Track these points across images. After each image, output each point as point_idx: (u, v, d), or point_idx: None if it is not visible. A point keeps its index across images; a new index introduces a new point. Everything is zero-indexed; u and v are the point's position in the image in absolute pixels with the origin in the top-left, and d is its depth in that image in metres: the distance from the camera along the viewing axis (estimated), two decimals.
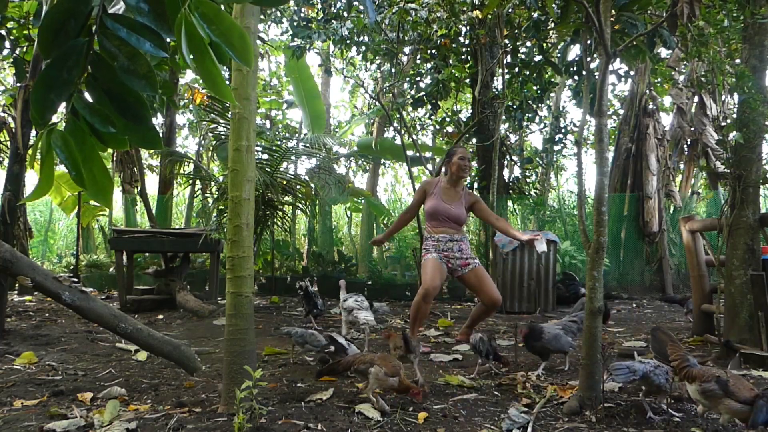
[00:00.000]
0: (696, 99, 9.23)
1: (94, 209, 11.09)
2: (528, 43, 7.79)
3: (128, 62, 1.26)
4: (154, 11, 1.27)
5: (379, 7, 7.31)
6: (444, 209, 4.40)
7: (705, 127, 8.91)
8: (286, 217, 7.76)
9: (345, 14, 7.51)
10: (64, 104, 1.31)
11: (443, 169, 4.67)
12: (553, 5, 3.85)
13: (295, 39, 7.47)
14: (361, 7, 7.34)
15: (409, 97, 8.68)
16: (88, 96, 1.31)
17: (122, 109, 1.31)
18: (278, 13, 8.82)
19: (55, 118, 1.31)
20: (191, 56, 1.22)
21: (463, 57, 8.48)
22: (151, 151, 13.22)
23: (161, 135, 11.40)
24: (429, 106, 8.33)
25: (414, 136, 8.87)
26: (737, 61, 4.13)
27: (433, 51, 7.91)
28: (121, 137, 1.37)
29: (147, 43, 1.25)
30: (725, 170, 8.75)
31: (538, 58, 7.48)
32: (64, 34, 1.26)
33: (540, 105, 8.41)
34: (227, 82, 1.41)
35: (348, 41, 7.37)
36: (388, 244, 10.66)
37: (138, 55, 1.26)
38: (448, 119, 9.56)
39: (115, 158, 10.83)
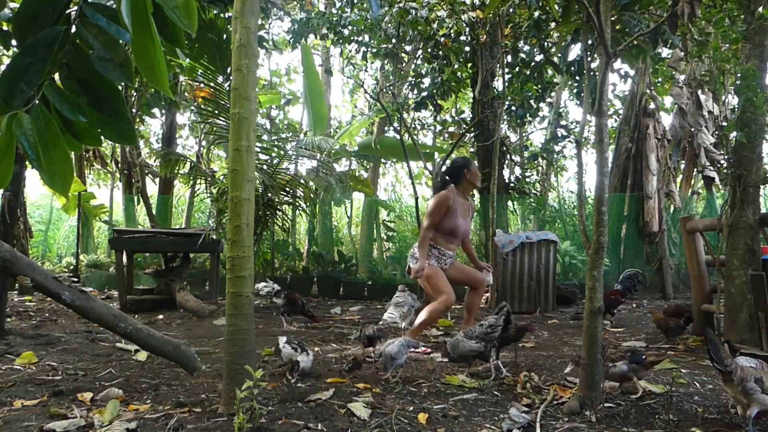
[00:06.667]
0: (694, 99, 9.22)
1: (95, 209, 11.10)
2: (528, 43, 7.79)
3: (104, 51, 1.22)
4: None
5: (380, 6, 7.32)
6: (464, 228, 4.38)
7: (701, 128, 8.91)
8: (286, 217, 7.76)
9: (348, 10, 7.53)
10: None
11: (447, 178, 4.42)
12: (555, 5, 3.84)
13: (296, 32, 7.52)
14: (365, 4, 7.37)
15: (411, 99, 8.69)
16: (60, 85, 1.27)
17: (97, 101, 1.27)
18: (281, 13, 8.85)
19: None
20: (130, 25, 1.14)
21: (462, 57, 8.47)
22: (148, 152, 13.23)
23: (162, 134, 11.43)
24: (432, 108, 8.34)
25: (414, 137, 8.86)
26: (741, 60, 4.13)
27: (435, 51, 7.90)
28: (94, 131, 1.34)
29: (127, 34, 1.22)
30: (710, 173, 8.79)
31: (539, 57, 7.48)
32: (41, 22, 1.23)
33: (540, 105, 8.41)
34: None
35: (347, 38, 7.40)
36: (388, 244, 10.68)
37: (115, 43, 1.23)
38: (450, 120, 9.57)
39: (119, 159, 10.86)
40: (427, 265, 4.25)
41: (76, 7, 1.28)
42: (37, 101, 1.24)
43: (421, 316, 4.26)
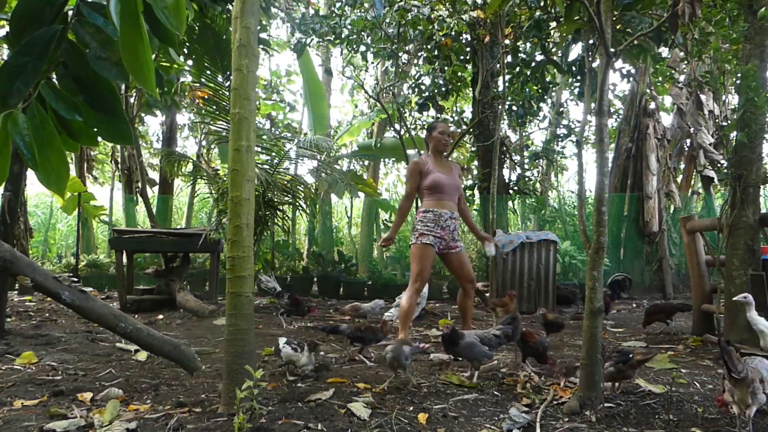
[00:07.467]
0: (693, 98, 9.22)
1: (95, 209, 11.10)
2: (529, 43, 7.79)
3: (101, 50, 1.22)
4: None
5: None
6: (445, 180, 4.39)
7: (700, 128, 8.91)
8: (286, 217, 7.76)
9: (348, 10, 7.52)
10: None
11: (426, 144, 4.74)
12: (559, 4, 3.84)
13: (297, 33, 7.52)
14: (367, 5, 7.36)
15: (412, 98, 8.68)
16: (57, 84, 1.27)
17: (93, 100, 1.27)
18: (282, 14, 8.84)
19: None
20: (119, 24, 1.13)
21: (462, 57, 8.47)
22: (152, 151, 13.23)
23: (162, 134, 11.43)
24: (433, 110, 8.34)
25: (414, 138, 8.86)
26: (741, 60, 4.13)
27: (436, 52, 7.90)
28: (91, 130, 1.33)
29: None
30: (709, 173, 8.79)
31: (539, 57, 7.48)
32: (38, 21, 1.23)
33: (540, 105, 8.40)
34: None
35: (348, 39, 7.39)
36: None
37: (111, 42, 1.22)
38: (450, 120, 9.56)
39: (120, 159, 10.85)
40: (415, 240, 4.39)
41: (73, 6, 1.28)
42: (33, 100, 1.23)
43: (401, 310, 4.32)
